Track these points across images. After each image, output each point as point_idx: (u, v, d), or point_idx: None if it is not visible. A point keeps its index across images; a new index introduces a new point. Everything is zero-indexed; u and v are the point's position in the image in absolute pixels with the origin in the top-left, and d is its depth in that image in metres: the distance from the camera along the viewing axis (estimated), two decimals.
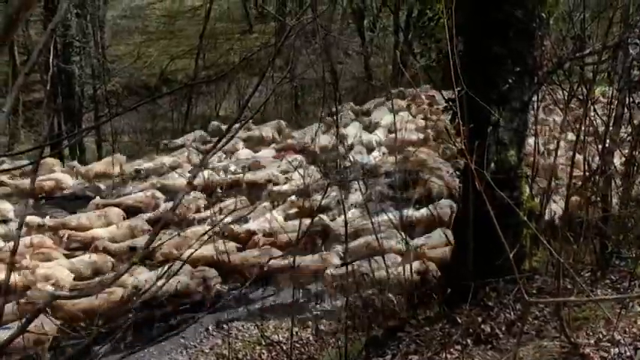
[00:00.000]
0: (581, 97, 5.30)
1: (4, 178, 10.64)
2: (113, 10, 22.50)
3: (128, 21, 25.43)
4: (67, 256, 8.70)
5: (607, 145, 5.27)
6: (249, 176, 11.14)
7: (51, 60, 3.86)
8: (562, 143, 6.17)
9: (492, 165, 4.93)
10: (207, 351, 7.49)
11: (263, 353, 7.06)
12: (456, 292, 4.98)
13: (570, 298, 4.04)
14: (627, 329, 4.05)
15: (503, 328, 4.49)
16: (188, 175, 10.95)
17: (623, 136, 5.60)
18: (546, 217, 5.80)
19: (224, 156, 12.54)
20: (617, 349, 3.83)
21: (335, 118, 8.96)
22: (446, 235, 6.55)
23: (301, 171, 8.98)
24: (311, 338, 7.36)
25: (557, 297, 4.13)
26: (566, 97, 5.51)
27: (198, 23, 23.14)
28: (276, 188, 10.65)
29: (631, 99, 5.56)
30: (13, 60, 18.17)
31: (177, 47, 23.48)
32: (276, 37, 18.87)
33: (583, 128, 5.05)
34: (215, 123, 14.83)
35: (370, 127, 13.61)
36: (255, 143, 13.42)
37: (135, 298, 6.89)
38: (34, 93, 19.77)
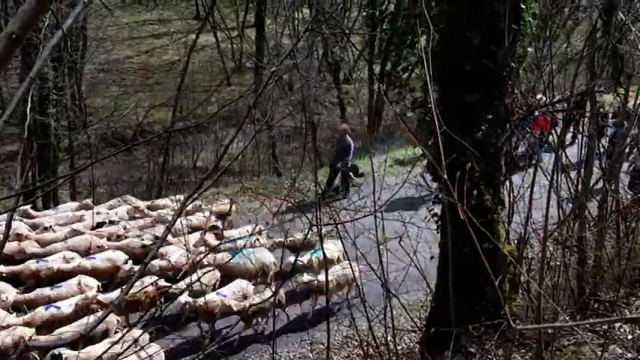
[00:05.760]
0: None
1: None
2: (90, 63, 22.62)
3: (105, 74, 25.56)
4: None
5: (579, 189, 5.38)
6: None
7: (28, 111, 3.84)
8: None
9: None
10: None
11: None
12: (438, 337, 4.93)
13: (555, 324, 4.03)
14: None
15: None
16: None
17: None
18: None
19: None
20: None
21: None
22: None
23: None
24: None
25: (539, 342, 4.12)
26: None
27: (176, 77, 23.35)
28: None
29: (600, 144, 5.73)
30: None
31: (154, 100, 23.59)
32: (255, 87, 19.10)
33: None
34: None
35: None
36: None
37: None
38: (6, 146, 19.59)
